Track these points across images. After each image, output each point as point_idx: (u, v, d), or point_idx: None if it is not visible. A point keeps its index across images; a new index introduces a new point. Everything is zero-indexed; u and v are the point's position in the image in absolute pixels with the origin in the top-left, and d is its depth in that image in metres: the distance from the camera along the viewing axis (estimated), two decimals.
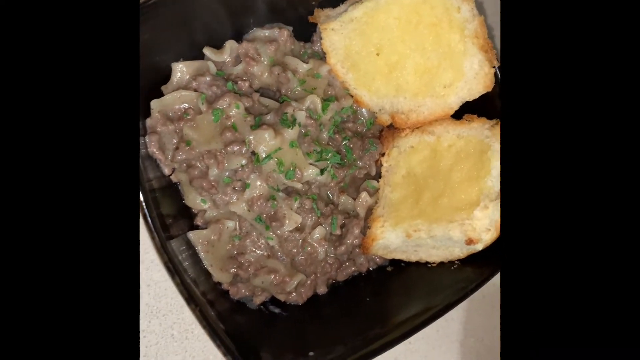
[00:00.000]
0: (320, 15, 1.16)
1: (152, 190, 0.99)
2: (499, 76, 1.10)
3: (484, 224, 1.00)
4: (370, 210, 1.17)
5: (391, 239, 1.10)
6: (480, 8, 1.09)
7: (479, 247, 1.04)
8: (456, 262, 1.11)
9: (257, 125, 1.06)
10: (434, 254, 1.12)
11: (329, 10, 1.16)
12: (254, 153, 1.05)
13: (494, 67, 1.07)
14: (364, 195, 1.16)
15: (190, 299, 0.86)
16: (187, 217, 1.09)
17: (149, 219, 0.87)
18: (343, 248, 1.13)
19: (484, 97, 1.09)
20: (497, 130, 1.07)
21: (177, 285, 0.86)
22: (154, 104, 1.04)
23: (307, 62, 1.16)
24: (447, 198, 1.07)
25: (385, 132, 1.22)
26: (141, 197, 0.90)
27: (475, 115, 1.12)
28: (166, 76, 1.08)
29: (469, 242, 1.01)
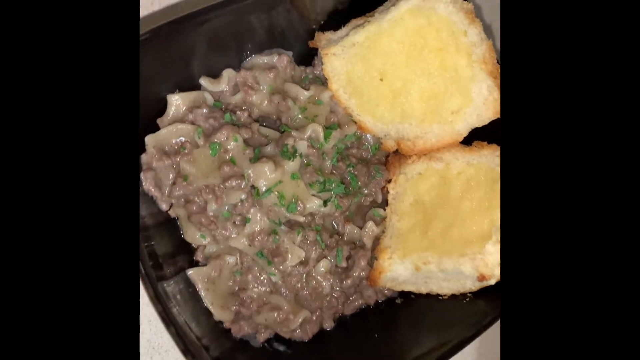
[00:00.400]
0: (321, 39, 1.11)
1: (147, 229, 0.96)
2: None
3: (496, 259, 0.95)
4: (377, 240, 1.12)
5: (399, 271, 1.06)
6: (488, 31, 1.03)
7: (492, 281, 0.98)
8: (468, 294, 1.06)
9: (256, 158, 1.02)
10: (445, 286, 1.07)
11: (330, 33, 1.11)
12: (253, 187, 1.01)
13: None
14: (370, 224, 1.11)
15: (187, 350, 0.82)
16: (187, 253, 1.05)
17: (142, 269, 0.83)
18: (349, 281, 1.09)
19: (494, 124, 1.04)
20: None
21: (172, 336, 0.82)
22: (149, 139, 1.00)
23: (308, 89, 1.12)
24: (457, 229, 1.02)
25: (391, 158, 1.17)
26: None
27: (486, 142, 1.06)
28: (162, 108, 1.04)
29: (481, 278, 0.96)
